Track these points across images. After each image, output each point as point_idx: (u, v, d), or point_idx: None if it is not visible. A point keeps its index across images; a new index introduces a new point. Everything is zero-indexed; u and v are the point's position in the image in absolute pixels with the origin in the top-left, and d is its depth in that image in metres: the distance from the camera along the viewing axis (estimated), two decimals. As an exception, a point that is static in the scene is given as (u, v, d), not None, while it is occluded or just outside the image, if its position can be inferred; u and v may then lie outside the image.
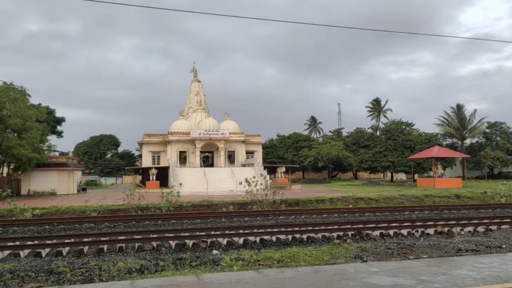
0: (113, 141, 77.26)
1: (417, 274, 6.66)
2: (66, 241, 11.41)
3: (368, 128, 63.19)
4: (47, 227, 15.44)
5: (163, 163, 48.32)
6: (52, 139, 44.77)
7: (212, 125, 49.63)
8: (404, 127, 55.61)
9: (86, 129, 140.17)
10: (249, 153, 53.04)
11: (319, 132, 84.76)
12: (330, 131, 74.94)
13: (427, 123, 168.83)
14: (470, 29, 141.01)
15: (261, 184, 21.88)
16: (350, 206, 22.87)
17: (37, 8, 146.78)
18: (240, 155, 51.24)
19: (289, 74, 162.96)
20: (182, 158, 49.33)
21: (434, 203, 24.38)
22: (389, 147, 51.98)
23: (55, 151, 39.83)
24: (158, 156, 51.06)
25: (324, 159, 55.23)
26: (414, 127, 56.83)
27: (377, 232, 12.61)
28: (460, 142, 59.88)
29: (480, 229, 13.54)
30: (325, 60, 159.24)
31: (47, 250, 10.41)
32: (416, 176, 50.58)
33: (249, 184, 21.09)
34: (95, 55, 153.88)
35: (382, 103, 74.14)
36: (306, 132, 78.78)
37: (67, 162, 38.29)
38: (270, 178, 34.34)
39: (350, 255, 9.32)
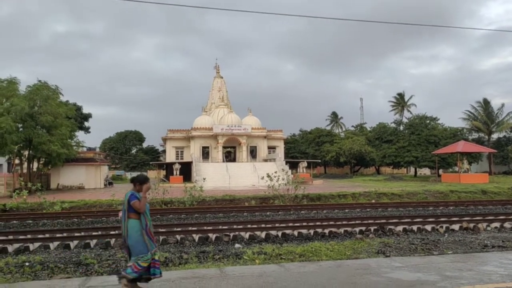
0: (138, 137, 78.44)
1: (441, 270, 6.52)
2: (94, 233, 11.68)
3: (391, 123, 62.10)
4: (76, 220, 15.85)
5: (186, 158, 48.80)
6: (79, 135, 45.79)
7: (235, 121, 49.75)
8: (428, 121, 54.39)
9: (112, 125, 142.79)
10: (271, 148, 52.97)
11: (341, 127, 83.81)
12: (352, 126, 74.07)
13: (451, 117, 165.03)
14: (492, 23, 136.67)
15: (283, 179, 21.83)
16: (373, 201, 22.59)
17: (64, 9, 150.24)
18: (262, 150, 51.23)
19: (309, 70, 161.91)
20: (205, 153, 49.69)
21: (459, 199, 23.83)
22: (413, 142, 50.96)
23: (83, 146, 40.73)
24: (182, 151, 51.60)
25: (346, 154, 54.66)
26: (438, 121, 55.57)
27: (400, 228, 12.43)
28: (487, 137, 58.17)
29: (507, 225, 13.16)
30: (345, 55, 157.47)
31: (75, 242, 10.67)
32: (440, 171, 49.50)
33: (271, 179, 21.07)
34: (119, 54, 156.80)
35: (406, 97, 72.60)
36: (328, 127, 78.06)
37: (94, 157, 39.15)
38: (292, 173, 34.25)
39: (372, 250, 9.21)
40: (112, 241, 10.65)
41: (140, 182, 5.37)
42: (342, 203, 21.49)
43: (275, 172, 22.81)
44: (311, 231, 11.85)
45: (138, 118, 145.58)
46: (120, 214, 5.43)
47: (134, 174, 62.52)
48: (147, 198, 5.51)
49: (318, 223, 13.14)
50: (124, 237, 5.30)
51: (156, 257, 5.39)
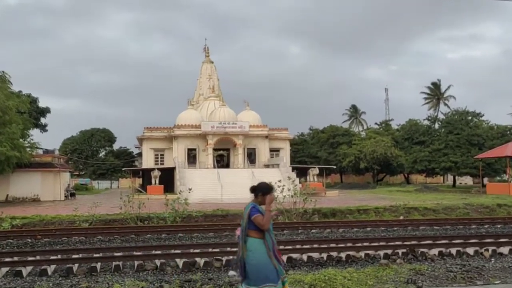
0: (107, 137, 78.41)
1: (486, 304, 6.54)
2: (52, 257, 11.65)
3: (424, 120, 62.22)
4: (29, 240, 15.80)
5: (167, 163, 48.81)
6: (34, 133, 45.80)
7: (228, 116, 49.79)
8: (470, 118, 54.50)
9: (75, 121, 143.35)
10: (274, 151, 53.01)
11: (362, 125, 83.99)
12: (376, 123, 74.17)
13: (499, 113, 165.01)
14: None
15: (289, 190, 21.81)
16: (401, 217, 22.62)
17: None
18: (263, 154, 51.27)
19: (320, 54, 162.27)
20: (191, 157, 49.71)
21: (509, 215, 23.85)
22: (451, 143, 51.06)
23: (38, 148, 40.71)
24: (162, 155, 51.61)
25: (368, 159, 54.70)
26: (482, 118, 55.69)
27: (435, 251, 12.43)
28: (543, 137, 58.33)
29: None
30: (365, 36, 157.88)
31: (29, 268, 10.65)
32: (485, 180, 49.57)
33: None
34: (84, 33, 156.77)
35: (442, 88, 72.76)
36: (345, 125, 78.23)
37: (52, 162, 39.11)
38: (300, 182, 34.26)
39: (400, 279, 9.21)
40: (75, 267, 10.64)
41: (263, 192, 5.46)
42: (362, 220, 21.49)
43: (279, 181, 22.68)
44: (324, 255, 11.85)
45: (108, 113, 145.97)
46: (238, 232, 5.50)
47: (102, 182, 62.26)
48: (272, 212, 5.54)
49: (332, 245, 13.13)
50: (240, 260, 5.39)
51: (287, 285, 5.43)
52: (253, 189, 5.55)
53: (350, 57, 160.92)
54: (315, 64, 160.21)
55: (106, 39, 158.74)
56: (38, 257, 11.79)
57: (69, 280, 9.64)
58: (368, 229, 18.50)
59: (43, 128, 52.08)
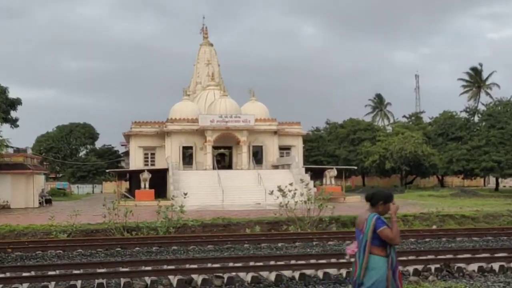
0: (88, 133, 78.67)
1: (535, 329, 6.52)
2: (24, 274, 11.70)
3: (461, 112, 61.92)
4: (-2, 254, 15.93)
5: (159, 164, 48.89)
6: (3, 129, 45.89)
7: (230, 109, 49.74)
8: (515, 109, 54.21)
9: (51, 115, 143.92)
10: (284, 149, 52.95)
11: (388, 118, 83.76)
12: (404, 116, 73.86)
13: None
14: None
15: (302, 195, 21.83)
16: (434, 227, 22.61)
17: None
18: (271, 152, 51.21)
19: (339, 35, 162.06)
20: (187, 157, 49.74)
21: (562, 224, 23.78)
22: (493, 139, 50.84)
23: (8, 146, 40.84)
24: (153, 154, 51.66)
25: (395, 158, 54.60)
26: (531, 109, 55.35)
27: (474, 266, 12.41)
28: None
29: None
30: (392, 14, 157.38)
31: (-3, 287, 10.73)
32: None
33: (284, 194, 21.06)
34: (61, 12, 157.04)
35: (484, 74, 72.23)
36: (368, 118, 78.04)
37: (24, 163, 39.24)
38: (314, 186, 34.31)
39: (433, 299, 9.22)
40: (51, 285, 10.69)
41: (384, 200, 5.53)
42: (388, 229, 21.45)
43: (290, 184, 22.78)
44: (343, 271, 11.82)
45: (89, 105, 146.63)
46: (349, 250, 5.61)
47: (83, 186, 62.48)
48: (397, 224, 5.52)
49: (352, 260, 13.12)
50: (357, 279, 5.43)
51: None
52: (371, 197, 5.56)
53: (374, 39, 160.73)
54: (332, 47, 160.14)
55: (87, 18, 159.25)
56: (8, 274, 11.84)
57: (45, 301, 9.69)
58: (395, 240, 18.49)
59: (13, 123, 52.22)
